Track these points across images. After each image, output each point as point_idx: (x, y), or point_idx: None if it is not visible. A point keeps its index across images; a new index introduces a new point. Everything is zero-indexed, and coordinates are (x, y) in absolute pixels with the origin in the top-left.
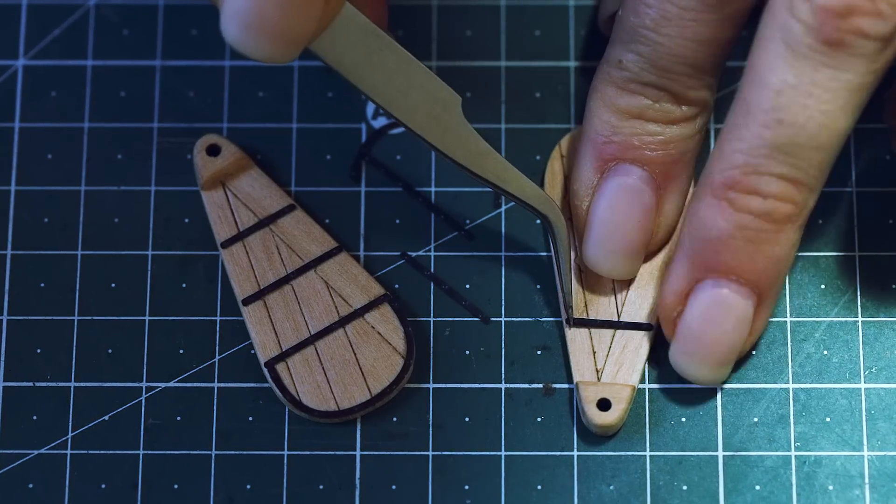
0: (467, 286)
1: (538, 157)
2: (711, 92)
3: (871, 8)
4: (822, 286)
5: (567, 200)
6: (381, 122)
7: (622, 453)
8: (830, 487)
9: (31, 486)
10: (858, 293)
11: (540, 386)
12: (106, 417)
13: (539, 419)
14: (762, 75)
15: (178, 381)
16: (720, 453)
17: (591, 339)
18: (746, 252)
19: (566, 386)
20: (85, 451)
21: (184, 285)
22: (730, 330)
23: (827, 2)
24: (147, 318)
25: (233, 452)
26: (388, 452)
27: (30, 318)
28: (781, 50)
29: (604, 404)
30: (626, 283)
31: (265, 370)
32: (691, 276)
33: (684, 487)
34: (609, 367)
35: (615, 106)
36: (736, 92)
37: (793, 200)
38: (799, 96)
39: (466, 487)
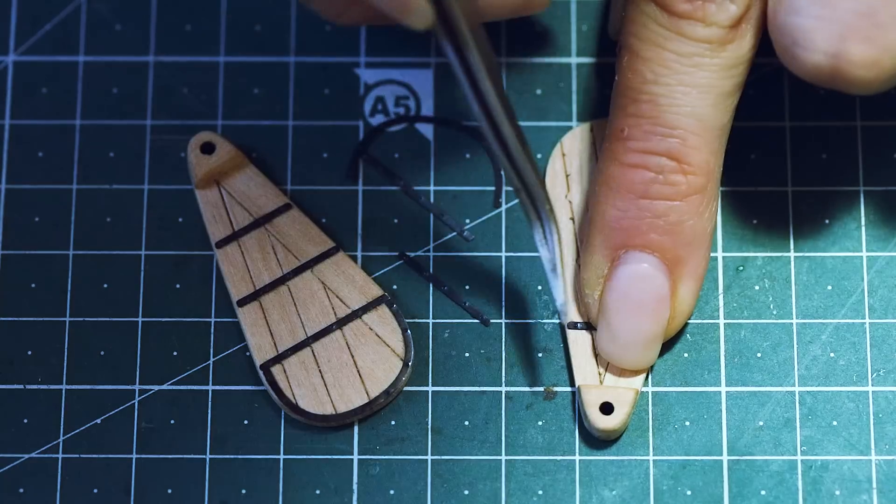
0: (467, 287)
1: (539, 156)
2: (716, 160)
3: None
4: (829, 287)
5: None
6: (378, 119)
7: (625, 458)
8: (837, 492)
9: (21, 490)
10: (865, 294)
11: (541, 389)
12: (98, 421)
13: (540, 423)
14: None
15: (171, 384)
16: (725, 458)
17: (594, 341)
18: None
19: (568, 389)
20: (77, 455)
21: (178, 286)
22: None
23: None
24: (140, 319)
25: (228, 456)
26: (386, 457)
27: (20, 319)
28: None
29: (606, 408)
30: None
31: (261, 373)
32: None
33: (688, 492)
34: (612, 370)
35: (619, 185)
36: None
37: None
38: None
39: (466, 493)
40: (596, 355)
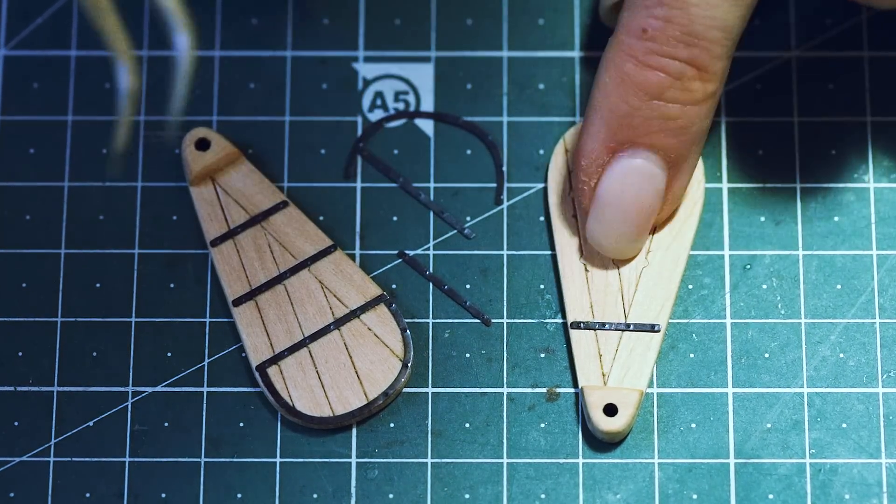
0: (467, 286)
1: (541, 152)
2: (729, 64)
3: None
4: (838, 286)
5: (570, 180)
6: (377, 114)
7: (629, 461)
8: (847, 496)
9: (12, 494)
10: (875, 293)
11: (543, 390)
12: (91, 423)
13: (543, 425)
14: None
15: (165, 386)
16: (732, 461)
17: (598, 341)
18: None
19: (571, 390)
20: (69, 459)
21: (172, 285)
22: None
23: None
24: (133, 319)
25: (223, 460)
26: (385, 460)
27: (11, 319)
28: None
29: (610, 409)
30: (634, 285)
31: (256, 374)
32: None
33: (694, 496)
34: (616, 370)
35: (634, 84)
36: None
37: None
38: None
39: (467, 496)
40: (600, 356)
